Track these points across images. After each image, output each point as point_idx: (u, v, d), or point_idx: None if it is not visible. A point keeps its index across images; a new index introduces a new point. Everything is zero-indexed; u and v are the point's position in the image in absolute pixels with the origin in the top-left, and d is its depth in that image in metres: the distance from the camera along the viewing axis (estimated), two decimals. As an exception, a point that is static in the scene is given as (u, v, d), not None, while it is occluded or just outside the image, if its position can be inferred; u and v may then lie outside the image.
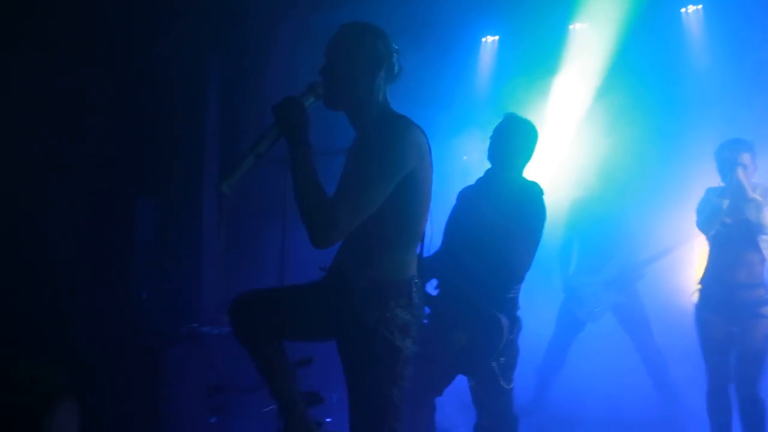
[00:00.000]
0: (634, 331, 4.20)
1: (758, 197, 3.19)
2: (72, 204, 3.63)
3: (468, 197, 3.03)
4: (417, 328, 2.04)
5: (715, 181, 3.34)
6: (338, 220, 1.85)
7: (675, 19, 4.66)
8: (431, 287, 2.86)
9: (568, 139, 4.94)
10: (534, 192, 2.90)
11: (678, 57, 4.61)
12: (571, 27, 4.92)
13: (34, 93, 3.48)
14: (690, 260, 3.81)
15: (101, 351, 3.18)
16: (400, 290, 2.00)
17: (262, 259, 4.07)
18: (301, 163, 1.91)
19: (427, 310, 2.07)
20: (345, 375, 2.06)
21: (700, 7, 4.59)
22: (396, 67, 2.10)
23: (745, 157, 3.22)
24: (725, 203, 3.20)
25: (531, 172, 3.00)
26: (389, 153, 1.92)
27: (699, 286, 3.37)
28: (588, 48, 4.79)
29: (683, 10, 4.64)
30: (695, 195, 3.43)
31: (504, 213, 2.80)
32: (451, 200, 3.07)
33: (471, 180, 3.11)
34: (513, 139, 2.91)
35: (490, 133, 2.99)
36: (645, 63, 4.60)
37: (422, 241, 2.11)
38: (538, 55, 4.86)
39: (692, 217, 3.38)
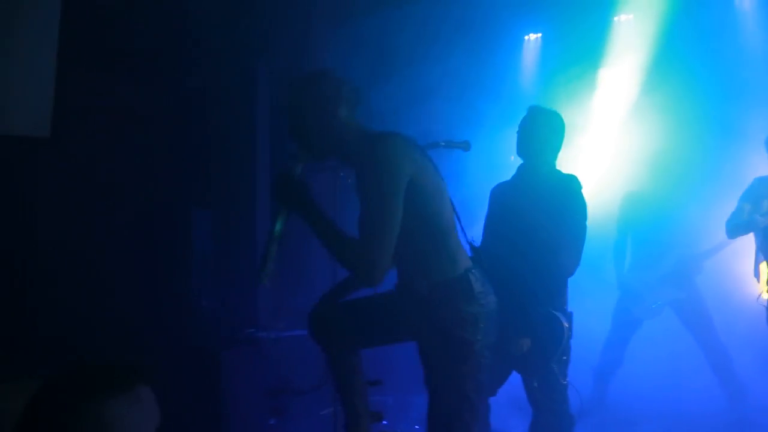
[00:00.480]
0: (695, 327, 4.07)
1: None
2: (136, 214, 3.80)
3: (503, 195, 3.00)
4: (486, 317, 2.08)
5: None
6: (374, 260, 1.95)
7: (726, 3, 4.52)
8: None
9: (617, 133, 4.85)
10: (572, 185, 2.85)
11: (730, 42, 4.46)
12: (615, 19, 4.84)
13: (96, 105, 3.65)
14: (751, 250, 3.68)
15: (163, 355, 3.31)
16: (459, 286, 2.07)
17: (315, 267, 4.14)
18: (319, 228, 2.04)
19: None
20: (424, 373, 2.17)
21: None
22: (352, 95, 2.15)
23: None
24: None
25: (583, 169, 2.95)
26: (382, 175, 1.98)
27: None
28: (634, 39, 4.70)
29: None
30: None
31: (544, 209, 2.76)
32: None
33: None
34: (539, 132, 2.88)
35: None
36: (695, 50, 4.47)
37: (456, 229, 2.16)
38: (582, 49, 4.81)
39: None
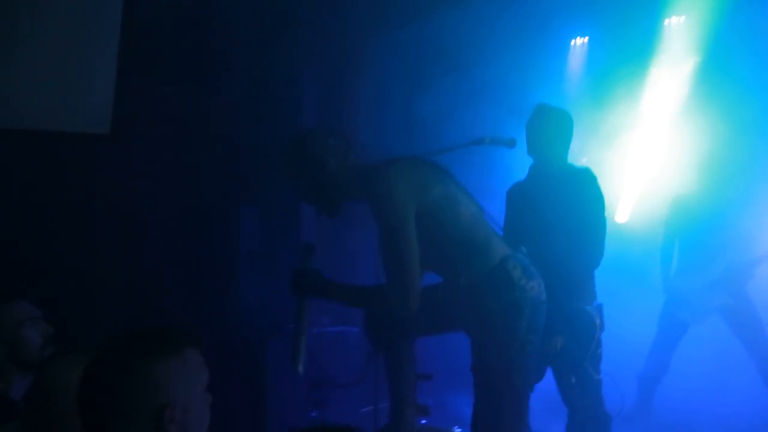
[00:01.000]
0: (745, 335, 3.95)
1: None
2: (188, 210, 3.97)
3: (519, 196, 3.00)
4: (530, 303, 2.11)
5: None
6: (404, 296, 2.04)
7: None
8: None
9: (666, 137, 4.77)
10: (586, 177, 2.84)
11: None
12: (666, 22, 4.77)
13: (152, 107, 3.84)
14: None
15: (211, 346, 3.42)
16: (496, 277, 2.11)
17: (356, 262, 4.21)
18: (343, 299, 2.22)
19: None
20: (472, 362, 2.21)
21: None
22: (340, 142, 2.22)
23: None
24: None
25: (632, 172, 2.91)
26: (385, 209, 2.06)
27: None
28: (685, 42, 4.62)
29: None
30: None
31: (561, 205, 2.75)
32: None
33: None
34: (547, 129, 2.88)
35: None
36: (748, 52, 4.37)
37: (482, 220, 2.20)
38: (631, 53, 4.74)
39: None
